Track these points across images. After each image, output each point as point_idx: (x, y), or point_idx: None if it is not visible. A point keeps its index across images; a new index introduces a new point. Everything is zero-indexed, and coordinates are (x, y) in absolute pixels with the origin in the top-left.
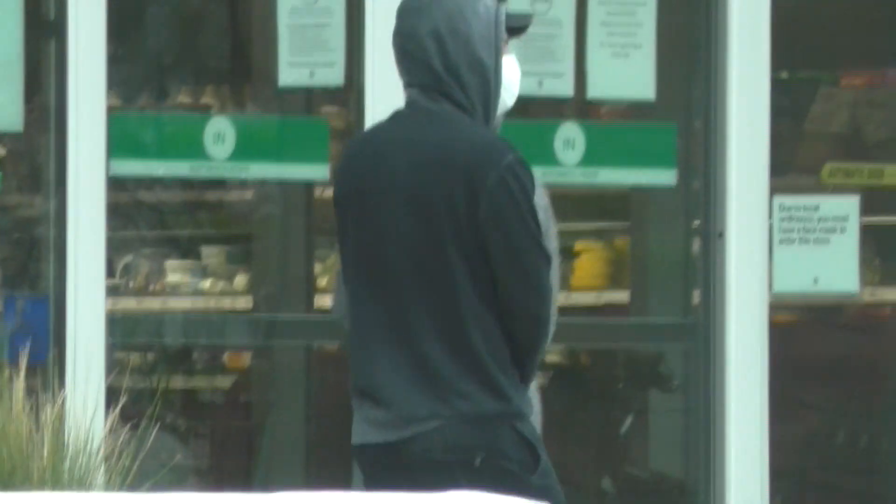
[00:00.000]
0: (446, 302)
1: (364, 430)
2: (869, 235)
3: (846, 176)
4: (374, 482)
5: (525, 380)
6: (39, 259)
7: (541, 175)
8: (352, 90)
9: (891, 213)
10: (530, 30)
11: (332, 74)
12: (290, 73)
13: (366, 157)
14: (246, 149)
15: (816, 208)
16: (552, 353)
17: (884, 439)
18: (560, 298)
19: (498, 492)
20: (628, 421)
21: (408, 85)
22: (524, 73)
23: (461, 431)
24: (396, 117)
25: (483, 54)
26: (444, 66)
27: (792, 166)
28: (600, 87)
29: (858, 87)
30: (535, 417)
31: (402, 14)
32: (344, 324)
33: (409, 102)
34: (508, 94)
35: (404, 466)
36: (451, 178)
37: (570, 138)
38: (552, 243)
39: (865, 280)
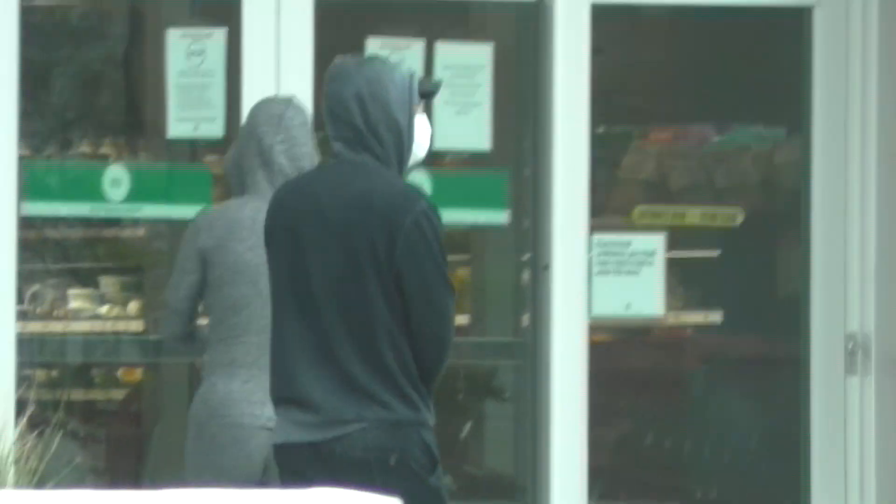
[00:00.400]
0: (365, 326)
1: (288, 431)
2: (673, 267)
3: (653, 217)
4: (292, 479)
5: (430, 393)
6: None
7: None
8: (230, 141)
9: (691, 248)
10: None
11: (214, 127)
12: (177, 127)
13: (296, 198)
14: (139, 192)
15: (628, 244)
16: None
17: (685, 441)
18: None
19: (403, 487)
20: (467, 427)
21: (334, 139)
22: None
23: (379, 434)
24: (324, 167)
25: (399, 116)
26: (365, 124)
27: (607, 208)
28: (444, 139)
29: (664, 140)
30: None
31: (330, 79)
32: (172, 343)
33: (335, 154)
34: (420, 149)
35: (324, 464)
36: (372, 220)
37: (420, 184)
38: None
39: (670, 305)
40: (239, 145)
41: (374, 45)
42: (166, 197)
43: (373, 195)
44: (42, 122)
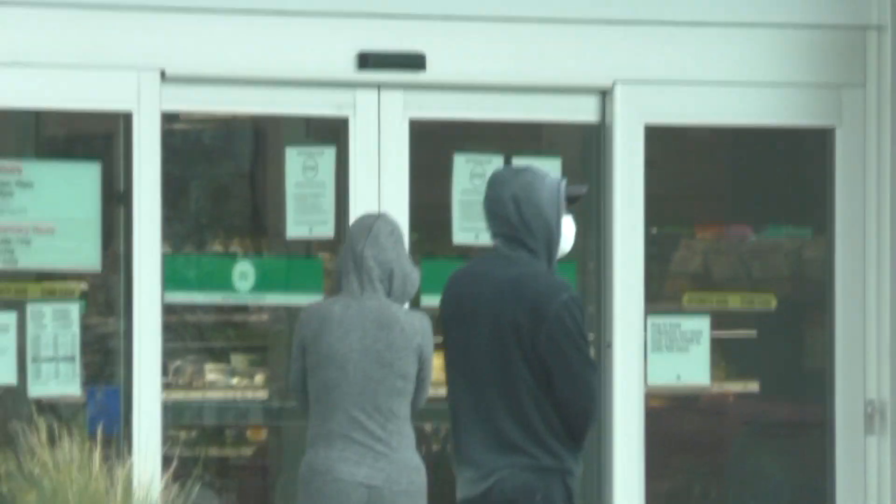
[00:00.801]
0: (512, 392)
1: (462, 488)
2: (717, 344)
3: (700, 302)
4: None
5: (579, 447)
6: (113, 363)
7: None
8: (340, 240)
9: (732, 328)
10: (470, 197)
11: (325, 229)
12: (294, 229)
13: (461, 286)
14: (263, 283)
15: (679, 325)
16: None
17: (728, 492)
18: None
19: None
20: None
21: (493, 236)
22: (467, 229)
23: (527, 477)
24: (485, 258)
25: (549, 215)
26: (520, 222)
27: (661, 295)
28: None
29: (708, 238)
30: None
31: (491, 184)
32: (296, 397)
33: (494, 248)
34: (566, 243)
35: None
36: (520, 306)
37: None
38: None
39: (714, 376)
40: (340, 254)
41: (460, 160)
42: (286, 287)
43: (521, 283)
44: (181, 226)
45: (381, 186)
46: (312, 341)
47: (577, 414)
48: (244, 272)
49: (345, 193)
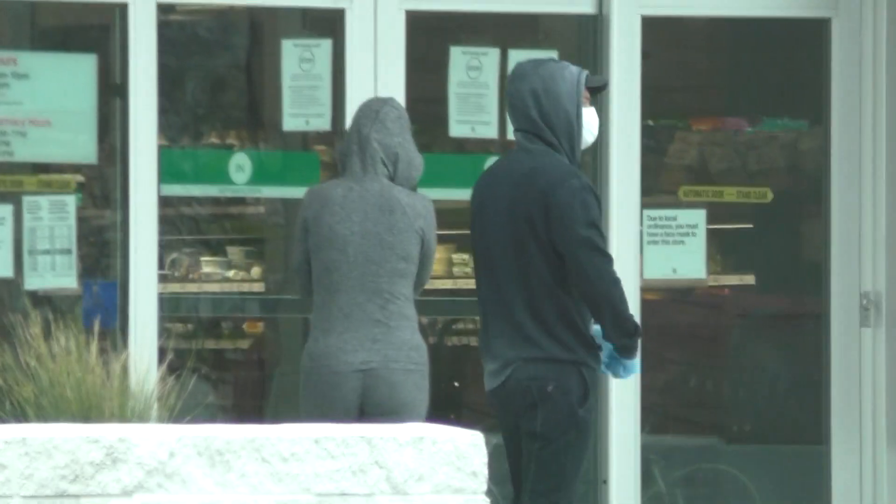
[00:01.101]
0: (528, 286)
1: (487, 380)
2: (713, 238)
3: (696, 195)
4: (497, 415)
5: (608, 335)
6: (109, 255)
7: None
8: (336, 133)
9: (728, 222)
10: (466, 90)
11: (322, 122)
12: (291, 121)
13: (484, 185)
14: (259, 176)
15: (675, 218)
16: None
17: (723, 384)
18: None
19: (555, 412)
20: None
21: (515, 129)
22: (463, 122)
23: (538, 368)
24: (508, 153)
25: (568, 107)
26: (539, 115)
27: (657, 188)
28: None
29: (704, 130)
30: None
31: (512, 78)
32: (298, 279)
33: (516, 142)
34: (588, 134)
35: (507, 394)
36: (533, 198)
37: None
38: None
39: (710, 269)
40: (345, 137)
41: (456, 53)
42: (282, 179)
43: (534, 174)
44: (177, 118)
45: (378, 79)
46: (314, 223)
47: (595, 301)
48: (240, 164)
49: (341, 86)
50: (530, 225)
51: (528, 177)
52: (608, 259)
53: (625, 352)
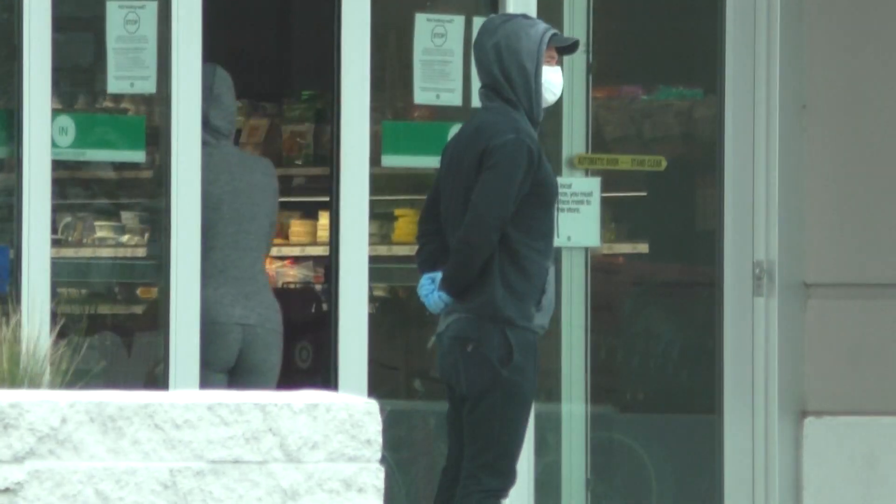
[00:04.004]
0: None
1: (440, 322)
2: (607, 205)
3: (591, 163)
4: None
5: (449, 276)
6: (3, 219)
7: None
8: (162, 96)
9: (622, 190)
10: (431, 57)
11: (147, 84)
12: (115, 84)
13: (447, 145)
14: (83, 139)
15: (570, 185)
16: (378, 289)
17: (617, 351)
18: (385, 250)
19: (477, 371)
20: (431, 339)
21: (480, 86)
22: (427, 89)
23: (459, 324)
24: (474, 113)
25: (527, 63)
26: (500, 71)
27: (551, 155)
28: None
29: (600, 98)
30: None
31: (479, 33)
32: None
33: (480, 99)
34: (549, 94)
35: (441, 350)
36: (475, 151)
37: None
38: None
39: (604, 238)
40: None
41: (421, 20)
42: (106, 143)
43: (480, 130)
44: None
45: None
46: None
47: (457, 236)
48: (64, 127)
49: (167, 48)
50: (468, 180)
51: (475, 133)
52: (497, 213)
53: (442, 284)
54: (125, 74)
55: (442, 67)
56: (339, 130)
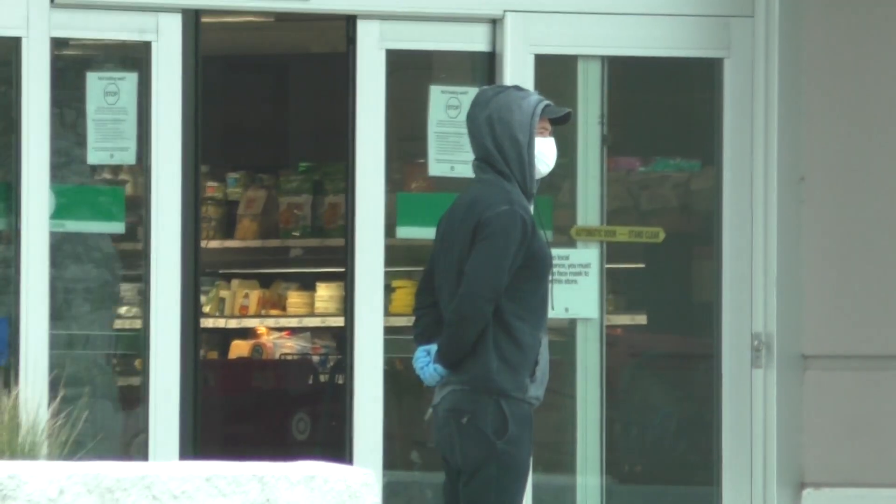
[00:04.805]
0: None
1: (435, 395)
2: (606, 277)
3: (588, 234)
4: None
5: (443, 345)
6: (1, 292)
7: None
8: (141, 167)
9: (621, 261)
10: (445, 129)
11: (127, 156)
12: (95, 155)
13: (442, 219)
14: (62, 211)
15: (567, 257)
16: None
17: (615, 422)
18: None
19: (472, 444)
20: (428, 411)
21: (474, 158)
22: (442, 161)
23: (454, 396)
24: (468, 186)
25: (519, 135)
26: (493, 143)
27: (565, 228)
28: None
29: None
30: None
31: (472, 106)
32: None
33: (473, 172)
34: (542, 165)
35: (437, 420)
36: (469, 225)
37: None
38: None
39: (606, 309)
40: None
41: (436, 92)
42: (84, 214)
43: (474, 203)
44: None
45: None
46: None
47: (451, 308)
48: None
49: (147, 121)
50: (462, 252)
51: (468, 207)
52: (493, 282)
53: (437, 357)
54: (105, 146)
55: (457, 139)
56: (354, 201)
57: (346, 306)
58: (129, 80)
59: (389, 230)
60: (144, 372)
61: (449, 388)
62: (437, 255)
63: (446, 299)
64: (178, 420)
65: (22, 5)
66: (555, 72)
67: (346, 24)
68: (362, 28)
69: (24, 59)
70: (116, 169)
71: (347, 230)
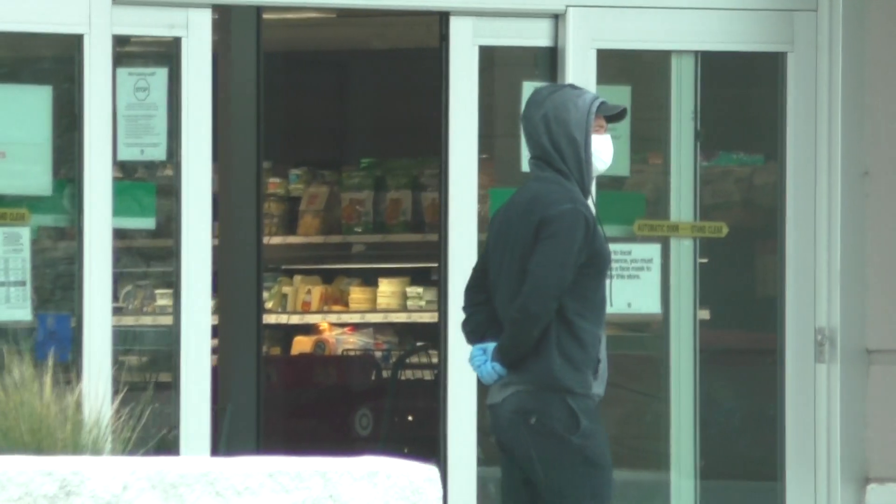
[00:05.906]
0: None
1: (490, 394)
2: (668, 272)
3: (651, 229)
4: (491, 429)
5: (504, 344)
6: (65, 287)
7: None
8: (172, 163)
9: (683, 257)
10: None
11: (157, 152)
12: (125, 151)
13: (496, 216)
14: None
15: (630, 252)
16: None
17: (659, 405)
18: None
19: (546, 444)
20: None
21: (530, 157)
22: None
23: (519, 398)
24: (524, 184)
25: (576, 134)
26: (550, 142)
27: (611, 221)
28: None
29: (659, 164)
30: (599, 385)
31: (527, 105)
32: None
33: (530, 171)
34: (599, 162)
35: (498, 420)
36: (530, 223)
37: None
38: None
39: (677, 306)
40: None
41: (529, 89)
42: (116, 210)
43: (534, 201)
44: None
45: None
46: None
47: (510, 315)
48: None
49: (178, 116)
50: (523, 250)
51: (528, 205)
52: (558, 281)
53: (496, 355)
54: (135, 141)
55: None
56: (447, 198)
57: (440, 303)
58: (160, 75)
59: (482, 225)
60: (175, 368)
61: (512, 389)
62: (491, 251)
63: (505, 297)
64: (209, 414)
65: (84, 3)
66: (644, 68)
67: (440, 20)
68: (455, 25)
69: (87, 56)
70: (149, 165)
71: (441, 227)
